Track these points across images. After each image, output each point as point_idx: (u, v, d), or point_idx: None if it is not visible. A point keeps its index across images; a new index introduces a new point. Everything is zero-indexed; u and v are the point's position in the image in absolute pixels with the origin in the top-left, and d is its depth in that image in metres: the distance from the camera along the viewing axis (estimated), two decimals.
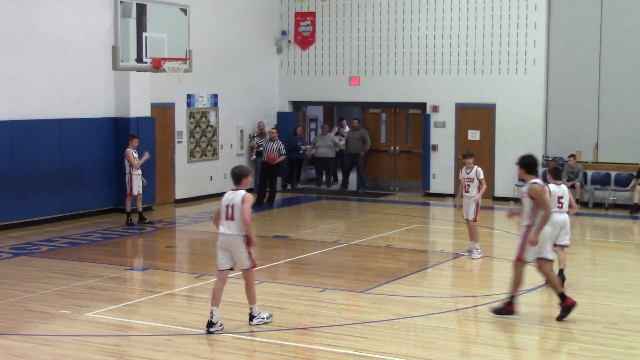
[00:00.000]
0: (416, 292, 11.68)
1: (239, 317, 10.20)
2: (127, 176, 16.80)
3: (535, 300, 11.41)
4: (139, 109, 18.46)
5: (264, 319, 9.87)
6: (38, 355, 8.80)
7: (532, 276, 12.74)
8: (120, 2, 14.45)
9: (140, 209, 17.09)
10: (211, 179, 21.13)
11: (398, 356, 8.77)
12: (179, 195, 20.11)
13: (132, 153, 16.73)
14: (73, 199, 17.47)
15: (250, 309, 9.88)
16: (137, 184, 16.79)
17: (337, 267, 13.09)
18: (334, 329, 9.74)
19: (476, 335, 9.56)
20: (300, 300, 10.96)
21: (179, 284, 12.50)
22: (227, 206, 9.60)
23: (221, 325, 9.61)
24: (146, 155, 16.96)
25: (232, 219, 9.55)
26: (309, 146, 22.98)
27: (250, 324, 9.81)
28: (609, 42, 19.89)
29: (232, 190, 9.70)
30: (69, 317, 10.17)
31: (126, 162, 16.82)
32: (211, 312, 9.57)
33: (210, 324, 9.54)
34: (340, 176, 24.88)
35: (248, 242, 9.66)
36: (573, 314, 10.09)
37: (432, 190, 21.63)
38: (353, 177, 23.27)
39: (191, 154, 20.53)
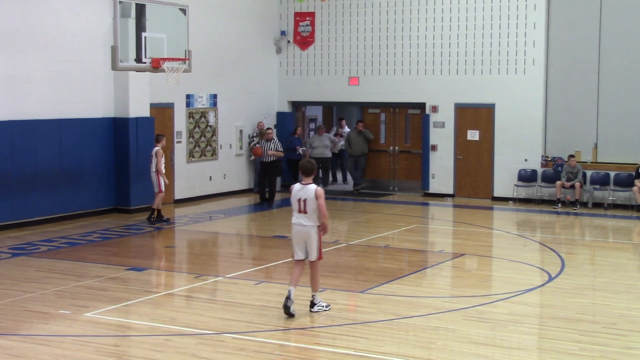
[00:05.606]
0: (416, 292, 11.68)
1: (239, 317, 10.20)
2: (154, 174, 16.89)
3: (535, 300, 11.42)
4: (138, 109, 18.45)
5: (323, 307, 10.39)
6: (38, 355, 8.79)
7: (530, 276, 12.75)
8: (120, 2, 14.42)
9: (159, 207, 17.25)
10: (210, 179, 21.13)
11: (397, 356, 8.77)
12: (178, 195, 20.11)
13: (162, 153, 17.00)
14: (72, 199, 17.46)
15: (312, 296, 10.41)
16: (163, 181, 16.95)
17: (337, 267, 13.08)
18: (334, 329, 9.74)
19: (476, 335, 9.55)
20: (300, 300, 10.93)
21: (179, 284, 12.50)
22: (299, 200, 10.15)
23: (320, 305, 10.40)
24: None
25: (305, 212, 10.13)
26: (304, 148, 22.94)
27: (310, 311, 10.32)
28: (609, 42, 19.88)
29: (301, 184, 10.23)
30: (68, 317, 10.16)
31: (154, 161, 16.87)
32: (289, 291, 10.15)
33: (287, 303, 10.13)
34: (339, 176, 24.93)
35: (321, 230, 10.23)
36: (573, 314, 10.09)
37: (432, 190, 21.63)
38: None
39: (190, 154, 20.52)
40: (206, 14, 20.19)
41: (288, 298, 10.09)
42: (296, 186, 10.31)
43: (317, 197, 10.06)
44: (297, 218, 10.25)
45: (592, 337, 9.50)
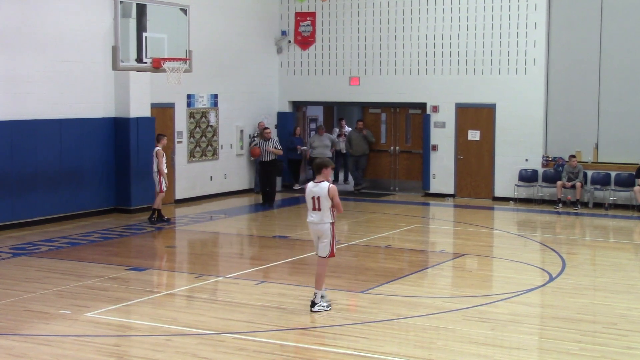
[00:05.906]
0: (416, 292, 11.67)
1: (239, 317, 10.20)
2: (156, 174, 16.91)
3: (536, 300, 11.41)
4: (139, 109, 18.45)
5: (324, 307, 10.41)
6: (38, 355, 8.79)
7: (531, 276, 12.75)
8: (120, 2, 14.42)
9: (160, 207, 17.25)
10: (211, 179, 21.13)
11: (398, 356, 8.77)
12: (179, 195, 20.11)
13: (162, 153, 16.98)
14: (73, 199, 17.46)
15: (314, 295, 10.45)
16: (164, 182, 16.97)
17: (337, 267, 13.07)
18: (334, 329, 9.74)
19: (476, 335, 9.55)
20: (300, 300, 10.95)
21: (179, 284, 12.50)
22: (312, 198, 10.37)
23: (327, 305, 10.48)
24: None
25: (319, 209, 10.36)
26: (305, 148, 22.94)
27: (311, 311, 10.35)
28: (609, 42, 19.88)
29: (314, 182, 10.42)
30: (69, 317, 10.16)
31: (155, 161, 16.89)
32: (314, 294, 10.46)
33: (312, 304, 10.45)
34: (341, 176, 24.95)
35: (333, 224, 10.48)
36: (573, 314, 10.09)
37: (432, 190, 21.62)
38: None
39: (191, 154, 20.52)
40: (207, 14, 20.20)
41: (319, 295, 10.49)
42: (310, 184, 10.51)
43: (331, 195, 10.28)
44: (311, 216, 10.48)
45: (593, 337, 9.50)
